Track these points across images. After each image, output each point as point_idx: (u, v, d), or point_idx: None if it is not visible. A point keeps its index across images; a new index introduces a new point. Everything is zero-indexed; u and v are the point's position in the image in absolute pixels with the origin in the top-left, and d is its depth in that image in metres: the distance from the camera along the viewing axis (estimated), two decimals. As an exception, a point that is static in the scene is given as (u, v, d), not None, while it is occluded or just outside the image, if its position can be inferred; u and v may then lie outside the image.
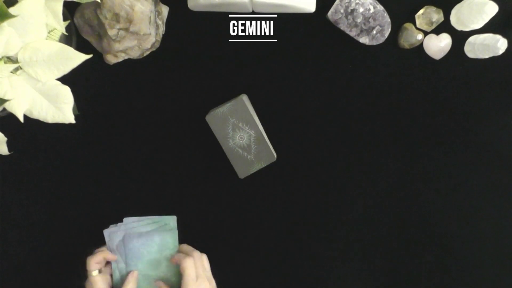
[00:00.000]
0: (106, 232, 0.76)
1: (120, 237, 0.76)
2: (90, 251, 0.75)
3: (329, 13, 0.78)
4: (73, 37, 0.77)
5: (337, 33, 0.80)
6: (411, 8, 0.80)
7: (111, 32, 0.74)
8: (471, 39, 0.79)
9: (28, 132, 0.82)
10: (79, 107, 0.76)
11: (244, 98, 0.77)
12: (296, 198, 0.84)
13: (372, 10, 0.77)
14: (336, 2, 0.77)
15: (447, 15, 0.80)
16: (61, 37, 0.71)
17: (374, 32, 0.78)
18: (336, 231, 0.84)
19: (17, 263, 0.84)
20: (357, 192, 0.84)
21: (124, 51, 0.77)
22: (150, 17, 0.75)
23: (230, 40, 0.81)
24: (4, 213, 0.83)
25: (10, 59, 0.64)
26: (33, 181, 0.83)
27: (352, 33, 0.78)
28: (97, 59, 0.79)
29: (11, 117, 0.67)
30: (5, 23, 0.59)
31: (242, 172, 0.79)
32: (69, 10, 0.77)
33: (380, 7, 0.77)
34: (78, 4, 0.76)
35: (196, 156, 0.83)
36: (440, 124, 0.82)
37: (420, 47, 0.80)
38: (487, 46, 0.77)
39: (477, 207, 0.83)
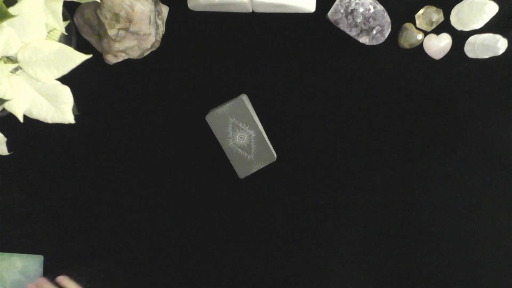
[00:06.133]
0: None
1: None
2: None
3: (329, 13, 0.78)
4: (73, 37, 0.77)
5: (337, 33, 0.80)
6: (411, 8, 0.80)
7: (111, 32, 0.74)
8: (471, 39, 0.79)
9: (28, 132, 0.82)
10: (79, 107, 0.76)
11: (244, 98, 0.77)
12: (296, 198, 0.84)
13: (372, 10, 0.77)
14: (336, 2, 0.77)
15: (447, 15, 0.80)
16: (61, 37, 0.71)
17: (374, 32, 0.78)
18: (336, 231, 0.84)
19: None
20: (357, 192, 0.83)
21: (124, 51, 0.77)
22: (150, 17, 0.75)
23: (230, 40, 0.81)
24: (4, 213, 0.83)
25: (10, 59, 0.64)
26: (33, 181, 0.83)
27: (352, 33, 0.78)
28: (97, 59, 0.79)
29: (11, 117, 0.67)
30: (5, 23, 0.59)
31: (242, 172, 0.79)
32: (69, 10, 0.77)
33: (380, 7, 0.77)
34: (78, 4, 0.76)
35: (196, 156, 0.83)
36: (440, 124, 0.82)
37: (420, 47, 0.80)
38: (487, 46, 0.77)
39: (476, 207, 0.83)
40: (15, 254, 0.82)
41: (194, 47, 0.82)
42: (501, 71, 0.81)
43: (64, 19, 0.65)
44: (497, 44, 0.76)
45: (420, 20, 0.79)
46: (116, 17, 0.73)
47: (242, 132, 0.77)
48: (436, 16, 0.79)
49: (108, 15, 0.73)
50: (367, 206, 0.84)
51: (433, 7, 0.79)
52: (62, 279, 0.79)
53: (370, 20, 0.77)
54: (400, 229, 0.84)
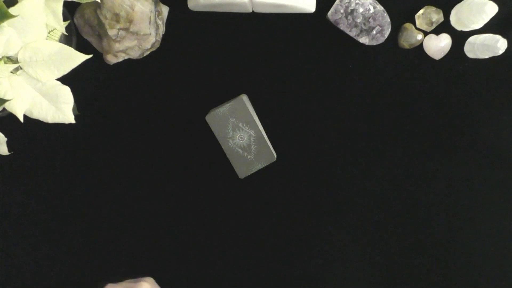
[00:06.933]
0: None
1: None
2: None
3: (329, 13, 0.78)
4: (73, 37, 0.77)
5: (337, 33, 0.80)
6: (411, 8, 0.80)
7: (111, 32, 0.74)
8: (471, 39, 0.79)
9: (28, 132, 0.82)
10: (79, 107, 0.76)
11: (244, 98, 0.77)
12: (296, 198, 0.84)
13: (372, 10, 0.77)
14: (336, 2, 0.77)
15: (447, 15, 0.80)
16: (61, 37, 0.71)
17: (374, 32, 0.78)
18: (336, 231, 0.84)
19: (17, 263, 0.84)
20: (357, 192, 0.84)
21: (124, 51, 0.77)
22: (150, 17, 0.75)
23: (230, 40, 0.81)
24: (4, 213, 0.83)
25: (10, 59, 0.64)
26: (33, 181, 0.83)
27: (352, 33, 0.78)
28: (97, 59, 0.79)
29: (11, 117, 0.67)
30: (5, 23, 0.59)
31: (242, 172, 0.79)
32: (69, 10, 0.77)
33: (380, 7, 0.77)
34: (78, 4, 0.76)
35: (196, 156, 0.83)
36: (440, 124, 0.82)
37: (420, 47, 0.80)
38: (487, 46, 0.77)
39: (477, 207, 0.83)
40: None
41: (194, 47, 0.82)
42: (501, 71, 0.81)
43: (64, 19, 0.65)
44: (497, 44, 0.76)
45: (420, 20, 0.79)
46: (116, 17, 0.73)
47: (242, 132, 0.77)
48: (436, 16, 0.79)
49: (108, 15, 0.73)
50: (368, 206, 0.84)
51: (433, 7, 0.79)
52: None
53: (370, 20, 0.77)
54: (401, 229, 0.84)
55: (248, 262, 0.85)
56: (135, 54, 0.78)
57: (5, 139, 0.71)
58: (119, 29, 0.74)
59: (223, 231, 0.84)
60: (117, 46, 0.76)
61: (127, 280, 0.69)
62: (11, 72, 0.64)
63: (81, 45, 0.79)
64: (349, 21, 0.77)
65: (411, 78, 0.81)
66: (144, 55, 0.80)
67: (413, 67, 0.81)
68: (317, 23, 0.81)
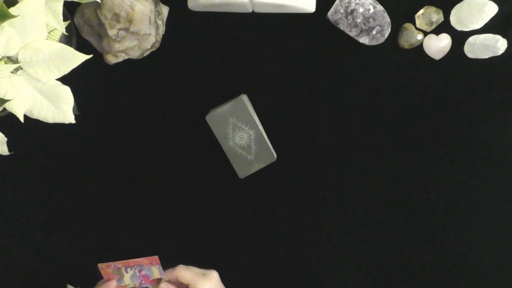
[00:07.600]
0: None
1: None
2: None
3: (329, 13, 0.78)
4: (73, 37, 0.77)
5: (337, 33, 0.80)
6: (411, 8, 0.80)
7: (111, 32, 0.74)
8: (471, 39, 0.79)
9: (28, 132, 0.82)
10: (79, 107, 0.76)
11: (244, 98, 0.77)
12: (296, 198, 0.84)
13: (372, 10, 0.77)
14: (336, 2, 0.77)
15: (447, 15, 0.80)
16: (61, 37, 0.71)
17: (374, 32, 0.78)
18: (336, 231, 0.84)
19: (17, 263, 0.84)
20: (357, 192, 0.84)
21: (124, 51, 0.77)
22: (150, 17, 0.75)
23: (230, 40, 0.81)
24: (4, 213, 0.83)
25: (10, 59, 0.64)
26: (33, 181, 0.83)
27: (352, 33, 0.78)
28: (97, 59, 0.79)
29: (11, 117, 0.67)
30: (6, 23, 0.59)
31: (242, 172, 0.79)
32: (69, 10, 0.77)
33: (380, 7, 0.77)
34: (78, 4, 0.76)
35: (196, 156, 0.83)
36: (440, 124, 0.82)
37: (420, 47, 0.80)
38: (487, 46, 0.77)
39: (477, 207, 0.83)
40: None
41: (194, 47, 0.82)
42: (501, 71, 0.81)
43: (65, 19, 0.65)
44: (497, 44, 0.76)
45: (420, 20, 0.79)
46: (116, 17, 0.73)
47: (242, 132, 0.77)
48: (436, 16, 0.79)
49: (108, 15, 0.73)
50: (367, 206, 0.84)
51: (433, 7, 0.79)
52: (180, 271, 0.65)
53: (370, 20, 0.77)
54: (400, 229, 0.84)
55: (248, 262, 0.85)
56: (135, 54, 0.78)
57: (5, 139, 0.71)
58: (119, 29, 0.74)
59: (223, 231, 0.84)
60: (117, 46, 0.76)
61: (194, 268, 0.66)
62: (11, 72, 0.64)
63: (81, 45, 0.79)
64: (349, 21, 0.77)
65: (411, 78, 0.81)
66: (144, 55, 0.80)
67: (413, 67, 0.81)
68: (317, 23, 0.81)
